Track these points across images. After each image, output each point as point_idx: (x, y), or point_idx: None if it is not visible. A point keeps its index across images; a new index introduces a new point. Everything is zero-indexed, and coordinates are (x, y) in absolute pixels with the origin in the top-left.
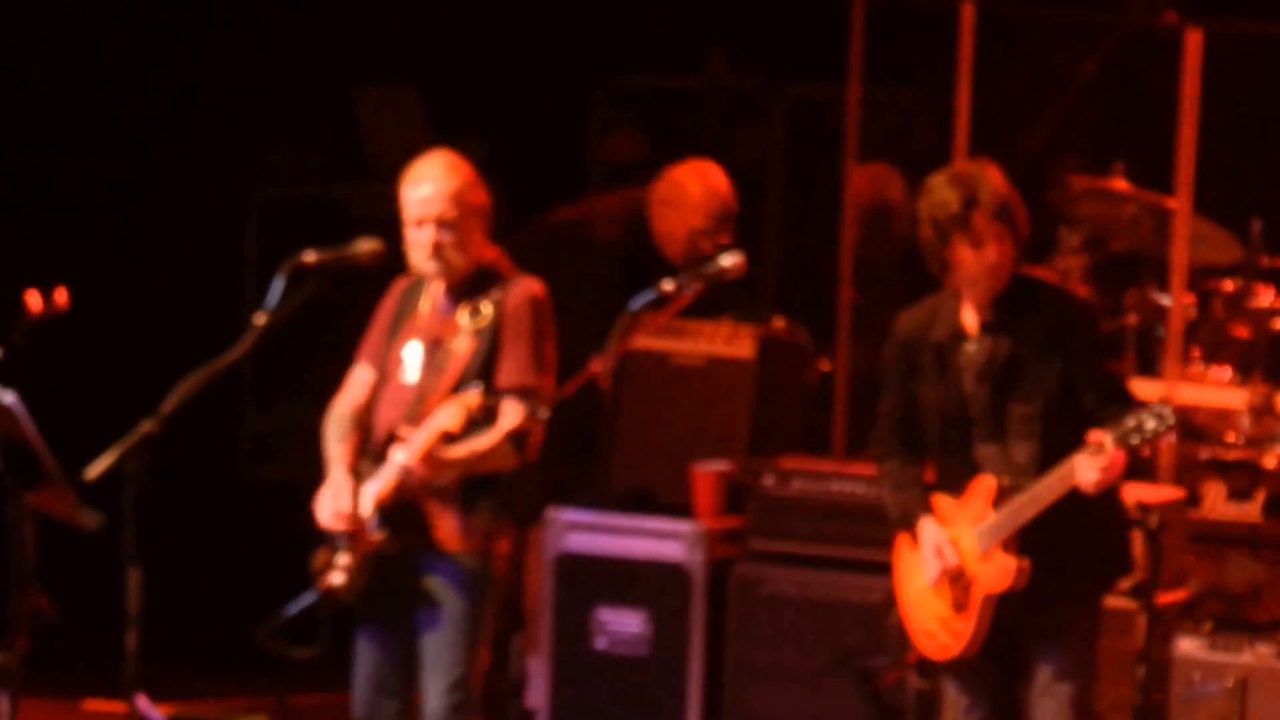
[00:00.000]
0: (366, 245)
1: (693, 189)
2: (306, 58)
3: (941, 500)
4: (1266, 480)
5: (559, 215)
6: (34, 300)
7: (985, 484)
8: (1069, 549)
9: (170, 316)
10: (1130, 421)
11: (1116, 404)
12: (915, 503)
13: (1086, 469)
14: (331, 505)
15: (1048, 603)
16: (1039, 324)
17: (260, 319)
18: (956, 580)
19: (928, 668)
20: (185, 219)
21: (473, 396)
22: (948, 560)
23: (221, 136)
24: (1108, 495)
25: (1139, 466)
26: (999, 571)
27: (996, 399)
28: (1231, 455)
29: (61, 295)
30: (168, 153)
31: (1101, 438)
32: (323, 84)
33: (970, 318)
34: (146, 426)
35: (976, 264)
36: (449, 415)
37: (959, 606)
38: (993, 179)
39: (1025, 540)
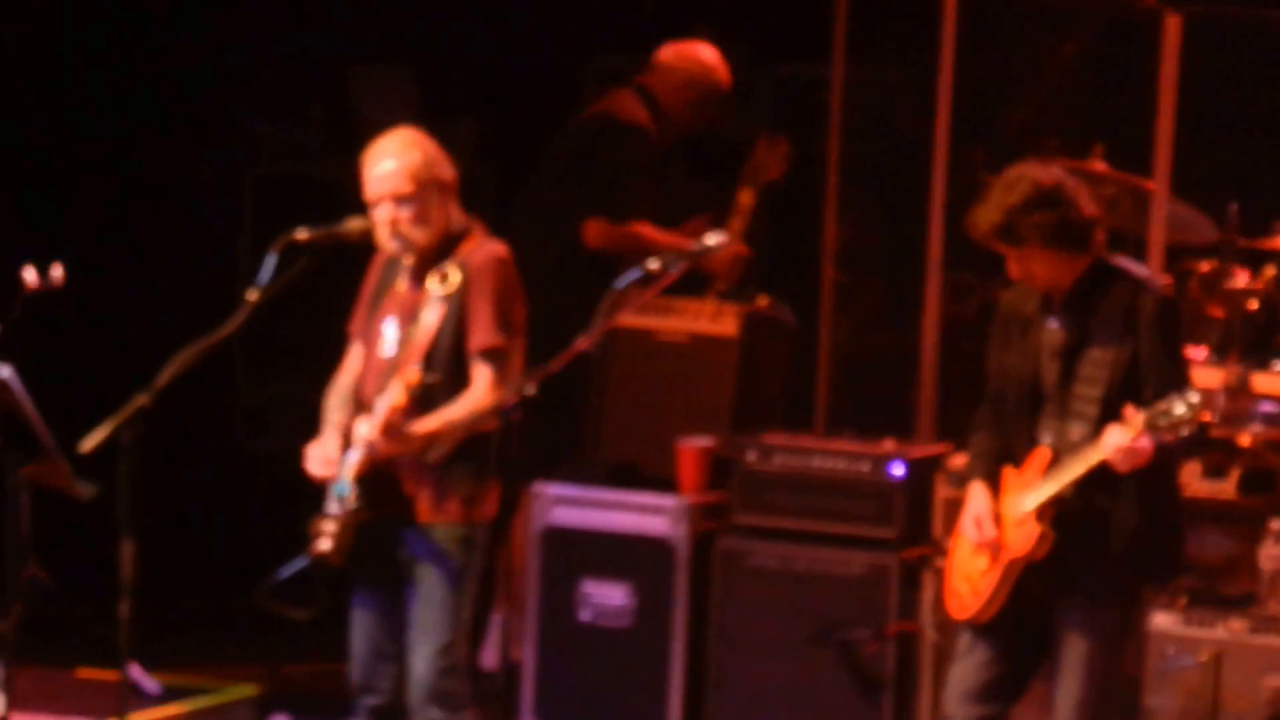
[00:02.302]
0: (358, 223)
1: (690, 68)
2: (299, 36)
3: (1008, 470)
4: (1241, 458)
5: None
6: (30, 275)
7: (1041, 455)
8: (1111, 537)
9: (164, 291)
10: (1162, 405)
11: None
12: (976, 470)
13: (1109, 441)
14: (319, 455)
15: (1078, 587)
16: (1113, 312)
17: (253, 295)
18: (993, 545)
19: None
20: (179, 195)
21: (412, 373)
22: (984, 532)
23: (215, 114)
24: (1162, 492)
25: None
26: (1025, 537)
27: (1065, 377)
28: (1207, 433)
29: (57, 271)
30: (162, 130)
31: (1133, 417)
32: (315, 63)
33: (1057, 296)
34: (141, 399)
35: (1015, 273)
36: (394, 393)
37: (987, 568)
38: (1010, 197)
39: (1069, 526)
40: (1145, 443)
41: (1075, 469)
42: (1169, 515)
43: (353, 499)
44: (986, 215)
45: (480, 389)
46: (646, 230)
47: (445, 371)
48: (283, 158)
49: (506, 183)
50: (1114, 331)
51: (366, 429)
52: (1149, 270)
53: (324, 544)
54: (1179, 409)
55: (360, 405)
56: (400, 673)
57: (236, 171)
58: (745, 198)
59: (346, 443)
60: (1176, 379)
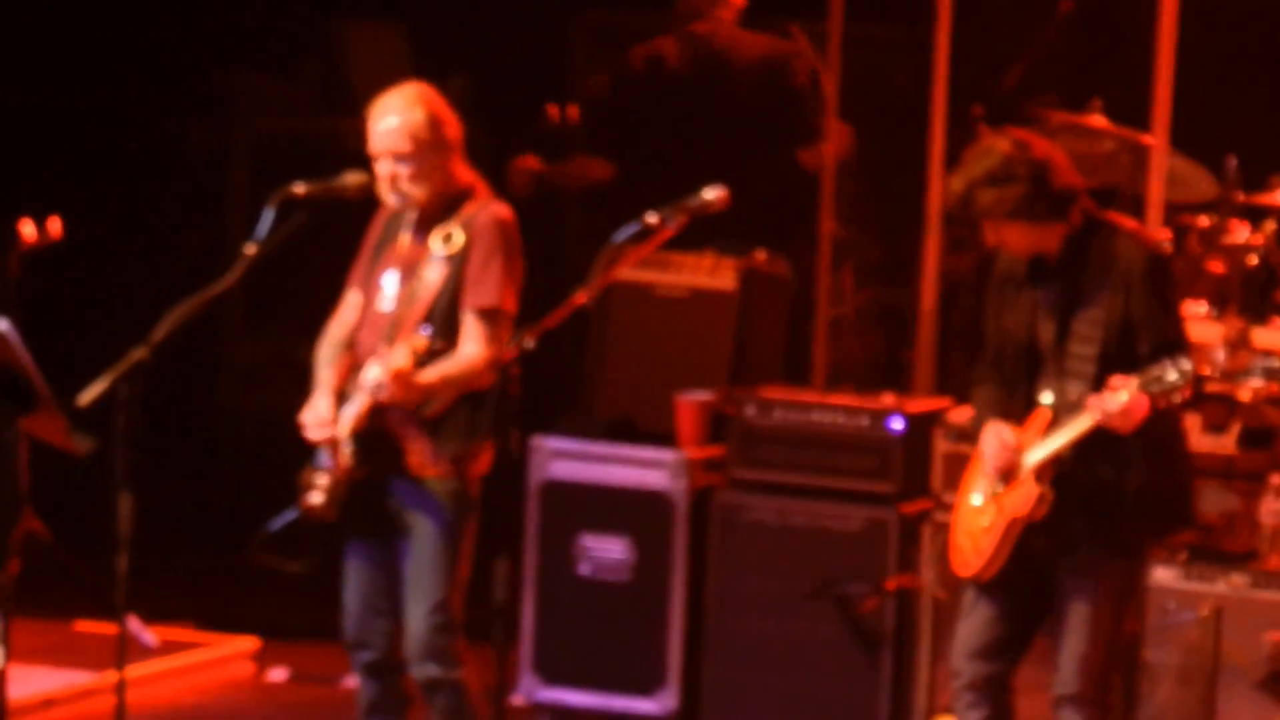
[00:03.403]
0: (355, 178)
1: None
2: None
3: (1010, 427)
4: (1241, 413)
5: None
6: (28, 230)
7: (1042, 414)
8: (1112, 497)
9: (160, 246)
10: (1155, 370)
11: (1169, 354)
12: (988, 415)
13: (1099, 406)
14: (314, 419)
15: (1080, 545)
16: (1103, 269)
17: (250, 249)
18: (995, 498)
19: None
20: (175, 150)
21: (420, 340)
22: (1006, 443)
23: (207, 70)
24: (1166, 450)
25: None
26: (1023, 497)
27: (1060, 337)
28: (1207, 388)
29: (55, 225)
30: (155, 86)
31: (1124, 382)
32: (307, 19)
33: (1049, 257)
34: (137, 354)
35: (990, 240)
36: (399, 356)
37: (988, 527)
38: (976, 169)
39: (1071, 482)
40: (1140, 402)
41: (1071, 431)
42: (1175, 472)
43: (349, 454)
44: (953, 187)
45: (473, 345)
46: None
47: (444, 331)
48: (274, 114)
49: (497, 139)
50: (1105, 289)
51: (376, 372)
52: (1139, 225)
53: (315, 497)
54: (1171, 376)
55: (356, 357)
56: (394, 628)
57: (228, 128)
58: (829, 86)
59: (338, 400)
60: (1171, 334)
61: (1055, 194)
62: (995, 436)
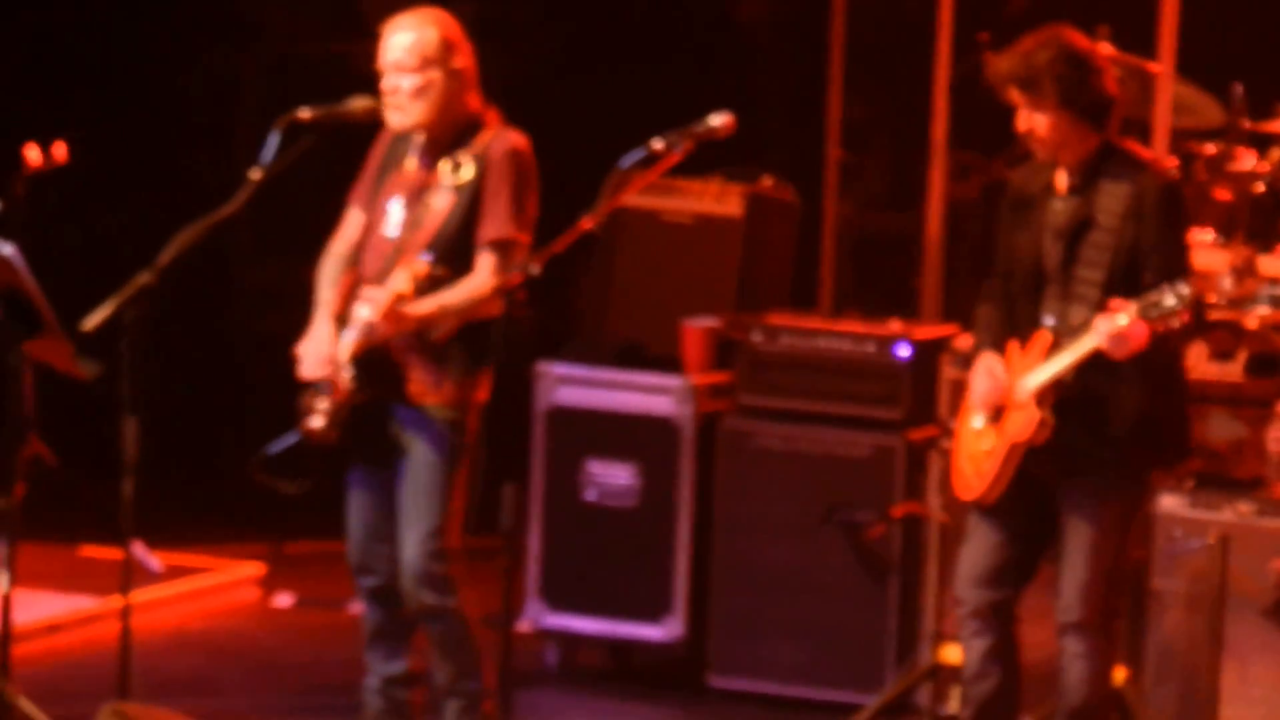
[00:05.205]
0: (361, 103)
1: None
2: None
3: (1013, 348)
4: (1248, 340)
5: None
6: (33, 153)
7: (1043, 336)
8: (1113, 421)
9: (167, 171)
10: (1154, 295)
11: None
12: (985, 342)
13: (1101, 328)
14: (313, 354)
15: (1082, 470)
16: (1118, 194)
17: (256, 174)
18: (995, 422)
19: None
20: (186, 75)
21: (420, 265)
22: (996, 379)
23: None
24: (1165, 377)
25: None
26: (1025, 421)
27: (1068, 260)
28: (1214, 315)
29: (60, 149)
30: (168, 9)
31: (1123, 306)
32: None
33: (1062, 178)
34: (144, 278)
35: (1022, 126)
36: (399, 281)
37: (989, 451)
38: (1039, 51)
39: (1073, 405)
40: (1138, 328)
41: (1073, 354)
42: (1173, 400)
43: (349, 380)
44: (1010, 61)
45: (482, 276)
46: None
47: (449, 259)
48: (285, 39)
49: (503, 67)
50: (1118, 215)
51: (367, 311)
52: (1156, 155)
53: (316, 421)
54: (1169, 300)
55: (359, 281)
56: (397, 553)
57: (239, 53)
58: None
59: (339, 322)
60: (1176, 267)
61: (1104, 98)
62: (985, 371)
